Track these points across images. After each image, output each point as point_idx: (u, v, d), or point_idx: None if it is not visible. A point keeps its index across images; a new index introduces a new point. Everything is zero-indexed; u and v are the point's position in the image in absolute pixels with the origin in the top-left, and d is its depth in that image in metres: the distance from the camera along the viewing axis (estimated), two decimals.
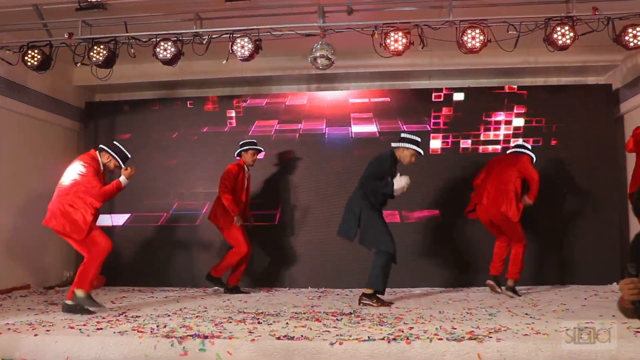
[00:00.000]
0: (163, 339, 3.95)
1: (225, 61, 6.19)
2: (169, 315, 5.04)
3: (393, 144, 5.80)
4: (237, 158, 6.81)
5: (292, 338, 3.97)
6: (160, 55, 6.13)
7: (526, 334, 3.95)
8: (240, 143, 6.86)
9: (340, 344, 3.79)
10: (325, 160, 7.64)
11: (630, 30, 5.63)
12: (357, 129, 7.64)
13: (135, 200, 7.69)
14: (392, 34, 5.84)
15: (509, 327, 4.20)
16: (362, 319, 4.73)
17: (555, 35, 5.67)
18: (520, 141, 7.02)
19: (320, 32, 6.00)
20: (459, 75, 7.78)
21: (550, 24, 5.72)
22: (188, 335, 4.03)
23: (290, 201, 7.59)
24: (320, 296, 6.45)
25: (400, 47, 5.85)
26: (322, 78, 7.76)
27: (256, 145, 6.85)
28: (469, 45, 5.79)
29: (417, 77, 7.90)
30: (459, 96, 7.61)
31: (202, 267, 7.45)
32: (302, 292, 6.97)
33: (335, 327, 4.35)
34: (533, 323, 4.39)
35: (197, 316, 4.99)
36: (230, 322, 4.62)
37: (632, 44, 5.66)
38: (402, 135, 5.80)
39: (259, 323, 4.59)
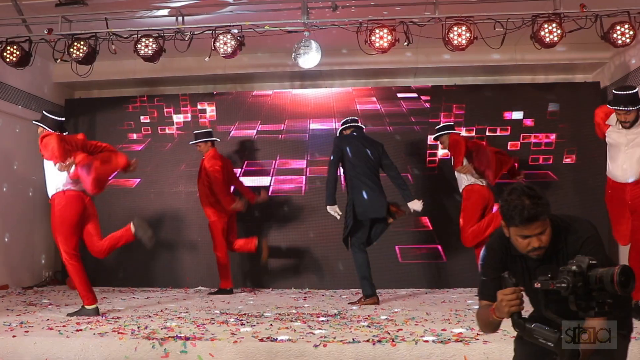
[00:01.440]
0: (144, 341, 3.90)
1: (207, 58, 6.10)
2: (150, 317, 4.96)
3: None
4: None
5: (275, 340, 3.91)
6: (142, 52, 6.04)
7: (513, 336, 3.90)
8: (200, 132, 6.85)
9: (325, 345, 3.74)
10: (308, 158, 7.56)
11: (618, 27, 5.58)
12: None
13: (115, 199, 7.56)
14: (377, 30, 5.78)
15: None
16: (348, 321, 4.68)
17: (542, 33, 5.62)
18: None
19: (304, 28, 5.94)
20: (445, 73, 7.74)
21: (537, 21, 5.68)
22: (169, 337, 3.97)
23: (273, 201, 7.51)
24: (305, 297, 6.38)
25: (385, 44, 5.80)
26: (306, 76, 7.68)
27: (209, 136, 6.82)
28: (455, 42, 5.74)
29: (402, 75, 7.84)
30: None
31: (185, 268, 7.36)
32: (286, 293, 6.87)
33: (319, 329, 4.30)
34: None
35: (178, 317, 4.92)
36: (213, 324, 4.56)
37: (620, 41, 5.61)
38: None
39: (241, 325, 4.52)
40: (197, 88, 8.11)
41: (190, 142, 6.93)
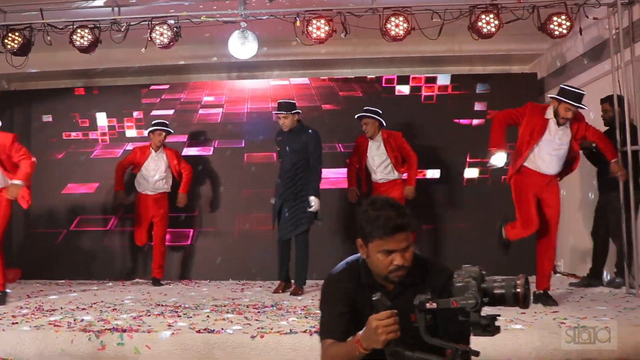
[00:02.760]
0: (80, 333, 3.89)
1: (143, 49, 6.02)
2: (86, 309, 4.89)
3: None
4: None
5: (212, 331, 3.93)
6: (77, 43, 5.95)
7: None
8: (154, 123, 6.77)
9: (262, 337, 3.78)
10: (245, 149, 7.52)
11: (555, 18, 5.68)
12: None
13: (51, 190, 7.39)
14: (314, 21, 5.79)
15: None
16: (285, 312, 4.71)
17: (479, 23, 5.71)
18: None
19: (241, 19, 5.90)
20: (383, 64, 7.79)
21: (475, 11, 5.76)
22: (106, 329, 3.96)
23: (210, 193, 7.46)
24: (242, 289, 6.34)
25: (322, 35, 5.82)
26: (243, 67, 7.63)
27: (163, 127, 6.71)
28: (393, 33, 5.79)
29: (340, 66, 7.86)
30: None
31: (121, 260, 7.26)
32: (224, 284, 6.78)
33: (257, 320, 4.33)
34: None
35: (114, 309, 4.87)
36: (149, 316, 4.54)
37: (557, 33, 5.73)
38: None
39: (178, 316, 4.51)
40: (134, 79, 7.97)
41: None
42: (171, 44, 5.95)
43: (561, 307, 4.77)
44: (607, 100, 5.71)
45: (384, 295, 1.95)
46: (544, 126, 4.92)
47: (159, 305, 5.12)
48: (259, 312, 4.72)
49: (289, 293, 5.75)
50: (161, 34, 5.88)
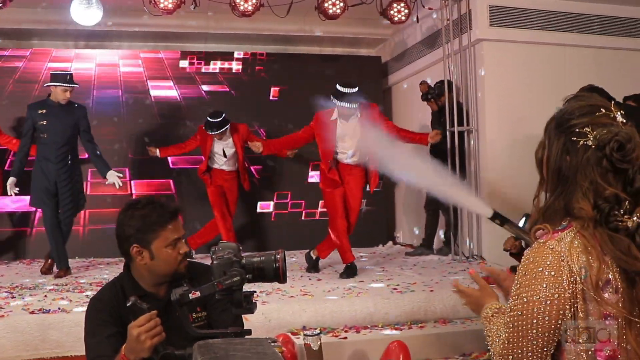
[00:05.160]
0: None
1: None
2: None
3: None
4: None
5: (48, 311, 3.78)
6: None
7: (292, 296, 4.23)
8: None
9: None
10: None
11: (395, 5, 6.11)
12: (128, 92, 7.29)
13: None
14: None
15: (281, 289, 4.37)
16: None
17: (325, 5, 5.95)
18: None
19: None
20: (236, 40, 7.75)
21: None
22: None
23: None
24: (88, 266, 6.09)
25: (170, 6, 5.72)
26: (92, 36, 7.24)
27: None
28: (242, 8, 5.83)
29: (193, 40, 7.73)
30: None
31: None
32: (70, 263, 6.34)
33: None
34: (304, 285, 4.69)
35: None
36: None
37: (396, 18, 6.17)
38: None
39: (12, 298, 4.29)
40: None
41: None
42: (4, 3, 5.52)
43: (394, 274, 5.21)
44: (423, 83, 6.35)
45: (137, 299, 1.85)
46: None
47: None
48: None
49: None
50: None
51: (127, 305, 1.83)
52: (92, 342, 2.04)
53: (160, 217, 2.07)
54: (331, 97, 5.00)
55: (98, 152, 5.48)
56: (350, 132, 5.09)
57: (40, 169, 5.29)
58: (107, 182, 5.53)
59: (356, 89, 4.98)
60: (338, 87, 5.01)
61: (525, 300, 1.38)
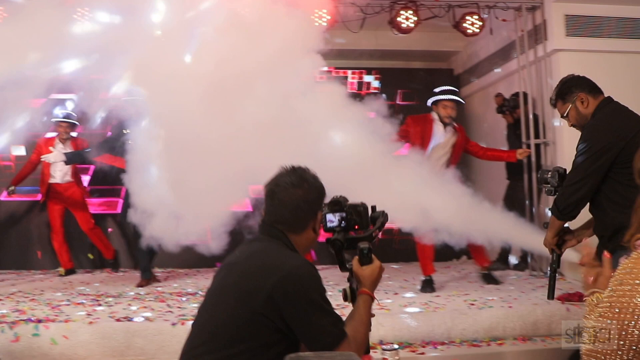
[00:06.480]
0: None
1: None
2: (1, 300, 4.76)
3: None
4: None
5: (132, 320, 3.93)
6: None
7: None
8: None
9: (182, 324, 3.82)
10: None
11: (468, 17, 6.03)
12: None
13: None
14: None
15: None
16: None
17: (399, 19, 5.94)
18: None
19: None
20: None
21: (395, 7, 5.96)
22: (20, 320, 3.88)
23: None
24: (167, 277, 6.26)
25: None
26: None
27: None
28: None
29: None
30: None
31: (41, 248, 7.02)
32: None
33: (179, 308, 4.37)
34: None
35: (32, 299, 4.77)
36: (69, 305, 4.49)
37: (470, 31, 6.08)
38: None
39: (99, 305, 4.49)
40: None
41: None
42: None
43: (471, 288, 5.11)
44: (499, 95, 6.26)
45: (367, 245, 2.21)
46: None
47: (80, 294, 5.04)
48: (181, 299, 4.75)
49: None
50: None
51: (358, 253, 2.19)
52: (329, 309, 2.08)
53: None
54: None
55: None
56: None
57: None
58: None
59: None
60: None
61: (617, 311, 1.36)
